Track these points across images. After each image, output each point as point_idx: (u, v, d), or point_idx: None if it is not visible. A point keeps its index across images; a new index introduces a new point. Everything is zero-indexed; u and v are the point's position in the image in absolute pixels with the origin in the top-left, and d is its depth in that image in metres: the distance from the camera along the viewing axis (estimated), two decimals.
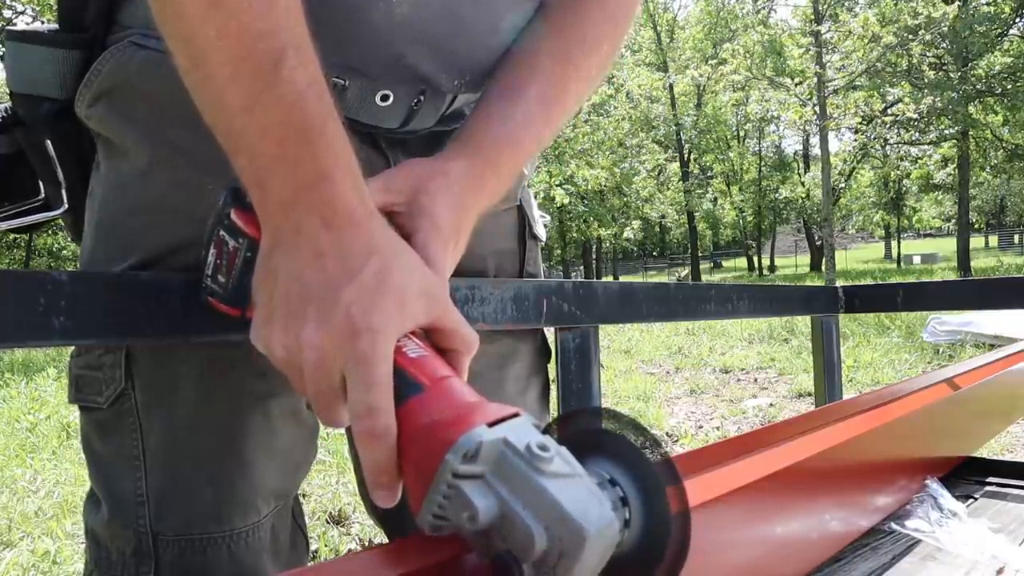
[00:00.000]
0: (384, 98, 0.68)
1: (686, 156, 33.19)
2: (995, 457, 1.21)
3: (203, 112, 0.49)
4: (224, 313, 0.55)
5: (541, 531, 0.38)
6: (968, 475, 1.10)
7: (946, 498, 0.91)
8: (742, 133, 36.73)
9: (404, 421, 0.43)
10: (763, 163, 36.50)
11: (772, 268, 38.64)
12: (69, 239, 0.79)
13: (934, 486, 0.93)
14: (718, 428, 4.35)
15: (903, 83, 20.27)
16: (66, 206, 0.74)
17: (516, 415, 0.42)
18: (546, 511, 0.38)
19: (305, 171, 0.47)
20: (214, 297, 0.55)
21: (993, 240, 47.01)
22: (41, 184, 0.74)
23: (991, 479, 1.07)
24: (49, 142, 0.72)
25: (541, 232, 0.90)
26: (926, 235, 54.88)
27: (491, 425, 0.40)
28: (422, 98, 0.70)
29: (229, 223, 0.52)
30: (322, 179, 0.47)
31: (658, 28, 32.92)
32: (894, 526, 0.85)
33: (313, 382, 0.45)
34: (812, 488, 0.75)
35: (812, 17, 17.23)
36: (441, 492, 0.40)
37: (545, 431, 0.43)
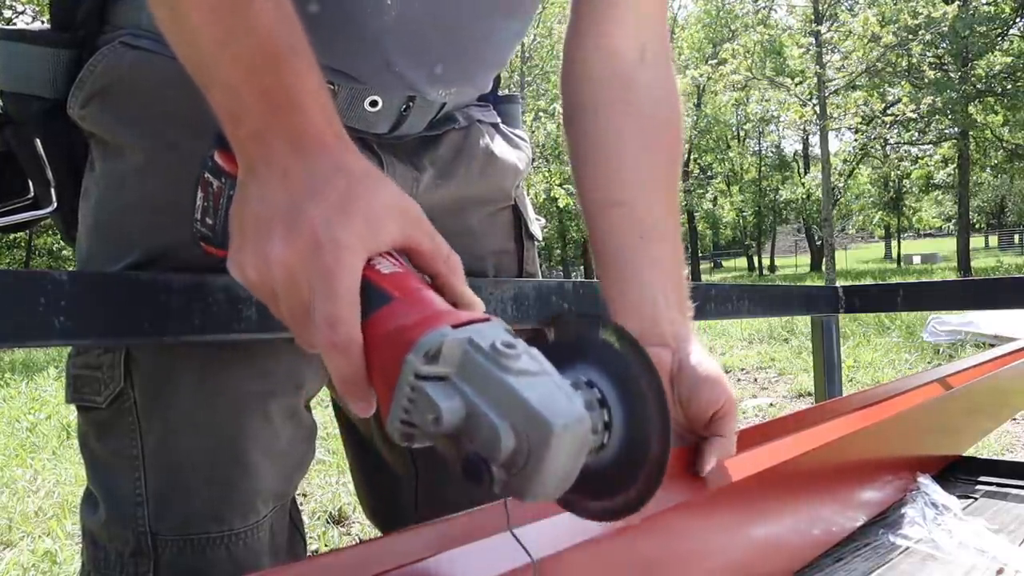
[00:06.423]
0: (373, 104, 0.69)
1: (686, 156, 33.16)
2: (994, 457, 1.21)
3: (178, 52, 0.50)
4: (216, 256, 0.54)
5: (507, 428, 0.36)
6: (962, 474, 1.10)
7: (940, 495, 0.91)
8: (742, 133, 36.72)
9: (371, 332, 0.42)
10: (763, 163, 36.50)
11: (772, 268, 38.60)
12: None
13: (927, 484, 0.93)
14: None
15: (903, 83, 20.27)
16: (55, 205, 0.74)
17: (487, 319, 0.41)
18: (511, 408, 0.37)
19: (275, 99, 0.47)
20: (205, 241, 0.56)
21: (993, 240, 46.98)
22: (30, 183, 0.74)
23: (991, 479, 1.07)
24: (39, 141, 0.72)
25: (537, 232, 0.90)
26: (926, 235, 54.83)
27: (457, 327, 0.39)
28: (411, 104, 0.70)
29: (213, 164, 0.53)
30: (292, 106, 0.47)
31: None
32: (891, 532, 0.85)
33: (285, 300, 0.45)
34: (803, 486, 0.75)
35: (812, 17, 17.22)
36: (405, 395, 0.39)
37: (533, 337, 0.42)
